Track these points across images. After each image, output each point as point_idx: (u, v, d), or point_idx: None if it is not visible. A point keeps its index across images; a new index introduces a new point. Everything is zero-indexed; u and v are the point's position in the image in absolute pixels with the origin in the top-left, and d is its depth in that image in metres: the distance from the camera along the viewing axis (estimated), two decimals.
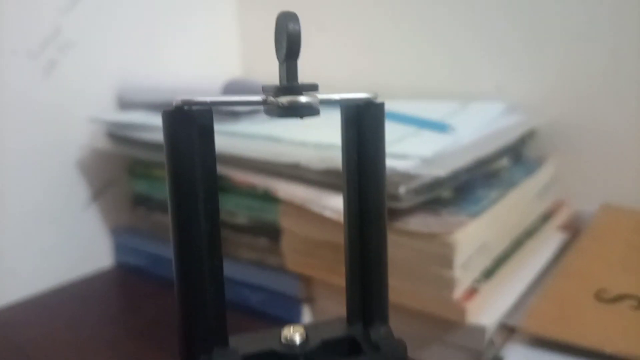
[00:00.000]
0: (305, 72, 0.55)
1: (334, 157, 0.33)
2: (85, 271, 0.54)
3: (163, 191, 0.53)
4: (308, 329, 0.13)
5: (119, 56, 0.55)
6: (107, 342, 0.42)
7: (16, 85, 0.48)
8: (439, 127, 0.39)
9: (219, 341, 0.12)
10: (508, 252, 0.39)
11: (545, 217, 0.46)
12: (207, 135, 0.15)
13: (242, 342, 0.13)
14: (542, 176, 0.46)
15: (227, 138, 0.41)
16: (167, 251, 0.52)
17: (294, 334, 0.13)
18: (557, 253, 0.43)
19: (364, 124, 0.14)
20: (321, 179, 0.35)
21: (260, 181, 0.38)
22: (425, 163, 0.33)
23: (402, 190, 0.31)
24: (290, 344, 0.13)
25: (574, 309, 0.32)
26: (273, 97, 0.14)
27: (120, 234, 0.56)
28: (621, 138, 0.47)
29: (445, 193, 0.37)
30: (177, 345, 0.12)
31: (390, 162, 0.32)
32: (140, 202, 0.57)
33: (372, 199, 0.14)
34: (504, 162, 0.45)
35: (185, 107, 0.14)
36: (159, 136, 0.47)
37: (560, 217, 0.47)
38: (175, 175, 0.14)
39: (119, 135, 0.49)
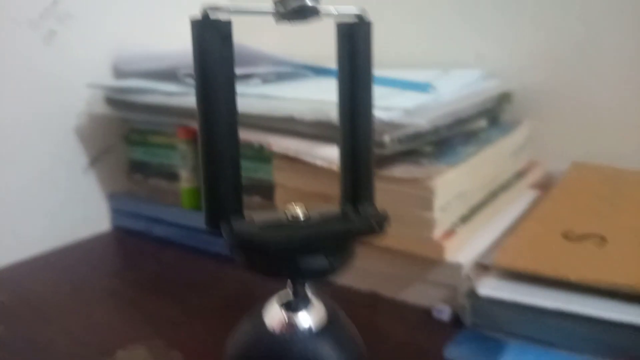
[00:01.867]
0: (290, 43, 0.57)
1: (326, 109, 0.36)
2: (85, 234, 0.56)
3: (159, 157, 0.56)
4: (308, 209, 0.16)
5: (115, 27, 0.57)
6: (110, 292, 0.45)
7: (18, 53, 0.50)
8: (422, 87, 0.42)
9: (236, 212, 0.15)
10: (484, 202, 0.42)
11: (520, 175, 0.49)
12: (228, 43, 0.17)
13: (255, 216, 0.15)
14: (517, 136, 0.49)
15: None
16: (164, 214, 0.55)
17: (298, 211, 0.15)
18: (530, 206, 0.46)
19: (356, 39, 0.17)
20: (313, 132, 0.38)
21: (255, 137, 0.41)
22: (408, 114, 0.36)
23: (386, 138, 0.34)
24: (295, 217, 0.15)
25: (543, 246, 0.36)
26: (281, 3, 0.16)
27: (118, 199, 0.59)
28: (592, 101, 0.51)
29: (427, 148, 0.40)
30: (204, 216, 0.15)
31: (375, 113, 0.35)
32: (137, 168, 0.59)
33: (362, 97, 0.16)
34: (482, 123, 0.48)
35: (211, 16, 0.17)
36: (155, 99, 0.49)
37: (534, 176, 0.51)
38: (202, 72, 0.16)
39: (116, 100, 0.51)
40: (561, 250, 0.35)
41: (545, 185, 0.51)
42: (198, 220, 0.50)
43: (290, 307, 0.16)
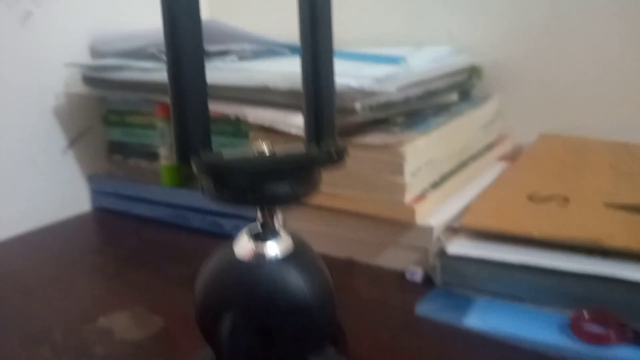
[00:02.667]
0: (262, 23, 0.58)
1: (299, 78, 0.37)
2: (65, 215, 0.56)
3: (138, 137, 0.57)
4: (274, 145, 0.16)
5: (90, 8, 0.57)
6: (91, 266, 0.45)
7: None
8: (393, 60, 0.43)
9: (205, 146, 0.16)
10: (454, 170, 0.44)
11: (490, 147, 0.51)
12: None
13: (223, 152, 0.16)
14: (487, 110, 0.51)
15: None
16: (145, 192, 0.55)
17: (264, 146, 0.16)
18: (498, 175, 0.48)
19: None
20: (287, 101, 0.39)
21: (231, 110, 0.42)
22: (378, 82, 0.37)
23: (357, 105, 0.36)
24: (261, 152, 0.16)
25: (508, 207, 0.37)
26: None
27: (97, 180, 0.59)
28: (558, 76, 0.53)
29: (399, 118, 0.41)
30: (174, 150, 0.16)
31: (346, 80, 0.36)
32: (116, 149, 0.60)
33: (322, 41, 0.17)
34: (453, 96, 0.49)
35: None
36: (133, 75, 0.49)
37: (503, 148, 0.53)
38: (170, 20, 0.17)
39: (94, 78, 0.52)
40: (526, 211, 0.37)
41: (514, 157, 0.53)
42: (178, 197, 0.52)
43: (259, 237, 0.17)
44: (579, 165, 0.44)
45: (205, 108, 0.16)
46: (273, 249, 0.17)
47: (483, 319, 0.32)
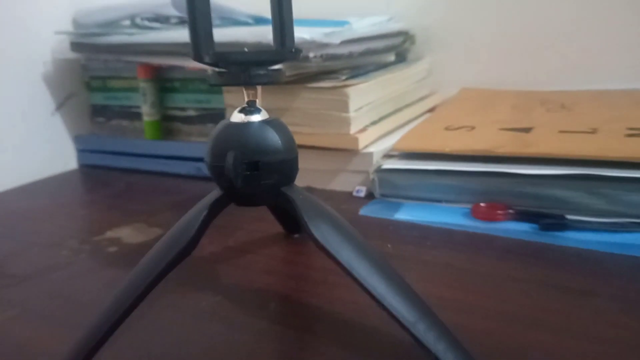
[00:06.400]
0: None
1: (264, 32, 0.46)
2: (54, 172, 0.63)
3: (119, 100, 0.65)
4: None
5: None
6: (87, 202, 0.53)
7: None
8: (340, 23, 0.52)
9: (210, 48, 0.24)
10: (390, 114, 0.54)
11: (422, 99, 0.62)
12: None
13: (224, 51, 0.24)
14: (418, 68, 0.62)
15: (177, 33, 0.53)
16: (129, 147, 0.63)
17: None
18: None
19: None
20: None
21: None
22: (327, 36, 0.47)
23: (311, 54, 0.45)
24: (249, 50, 0.25)
25: (429, 135, 0.48)
26: None
27: (83, 139, 0.66)
28: (476, 40, 0.64)
29: (345, 70, 0.51)
30: (191, 52, 0.24)
31: (301, 34, 0.46)
32: (98, 112, 0.67)
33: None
34: (391, 57, 0.60)
35: None
36: (119, 39, 0.57)
37: (433, 100, 0.63)
38: None
39: (82, 43, 0.59)
40: (442, 136, 0.47)
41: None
42: (160, 147, 0.60)
43: (245, 111, 0.26)
44: (487, 107, 0.55)
45: (210, 25, 0.25)
46: (256, 118, 0.26)
47: (409, 213, 0.43)
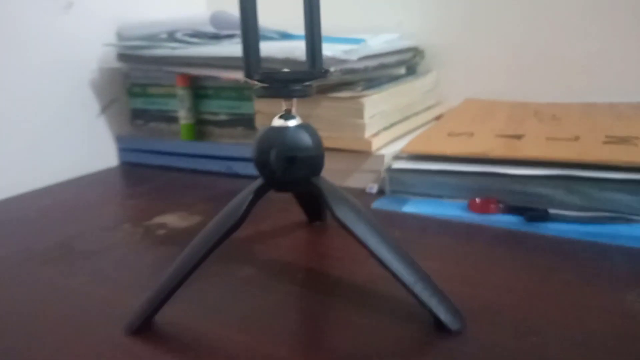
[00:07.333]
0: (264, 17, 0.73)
1: (292, 49, 0.53)
2: (97, 168, 0.71)
3: (157, 105, 0.73)
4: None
5: (117, 0, 0.73)
6: (130, 195, 0.61)
7: (44, 19, 0.64)
8: (356, 41, 0.60)
9: (258, 68, 0.31)
10: (400, 121, 0.61)
11: (429, 108, 0.69)
12: None
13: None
14: (426, 81, 0.69)
15: (214, 48, 0.61)
16: (166, 147, 0.71)
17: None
18: None
19: None
20: (283, 68, 0.55)
21: (240, 76, 0.58)
22: (345, 53, 0.54)
23: (332, 69, 0.52)
24: (287, 71, 0.32)
25: (434, 139, 0.55)
26: None
27: (124, 139, 0.74)
28: (478, 56, 0.70)
29: (361, 82, 0.58)
30: (244, 70, 0.31)
31: (324, 51, 0.53)
32: (138, 115, 0.75)
33: (316, 25, 0.33)
34: (402, 71, 0.67)
35: None
36: (163, 52, 0.65)
37: (439, 110, 0.70)
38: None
39: (128, 55, 0.67)
40: (445, 141, 0.54)
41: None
42: (195, 147, 0.68)
43: (284, 117, 0.33)
44: (486, 116, 0.61)
45: (258, 52, 0.32)
46: (292, 123, 0.33)
47: (415, 207, 0.50)
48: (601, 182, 0.44)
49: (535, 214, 0.45)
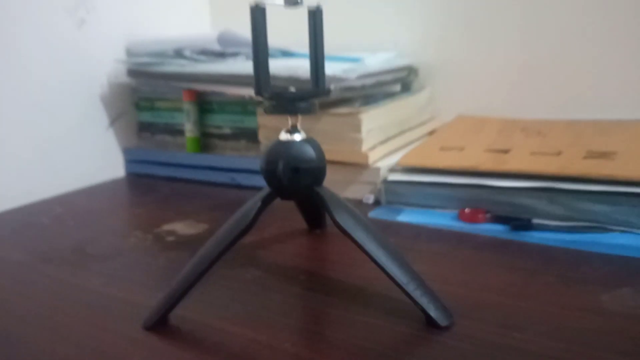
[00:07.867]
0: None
1: (295, 67, 0.57)
2: (104, 179, 0.74)
3: (164, 118, 0.76)
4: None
5: (127, 18, 0.76)
6: (138, 203, 0.64)
7: (57, 35, 0.68)
8: (355, 59, 0.63)
9: (267, 86, 0.35)
10: (396, 135, 0.65)
11: (423, 123, 0.72)
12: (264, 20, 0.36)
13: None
14: (420, 97, 0.72)
15: (220, 65, 0.64)
16: (172, 158, 0.74)
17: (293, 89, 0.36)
18: None
19: (315, 18, 0.36)
20: (286, 85, 0.58)
21: (245, 92, 0.62)
22: (345, 72, 0.57)
23: (332, 87, 0.56)
24: (293, 90, 0.36)
25: (427, 153, 0.58)
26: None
27: (131, 151, 0.77)
28: (470, 74, 0.74)
29: (359, 99, 0.62)
30: (254, 89, 0.35)
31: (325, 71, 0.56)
32: (145, 128, 0.78)
33: (319, 46, 0.36)
34: (397, 87, 0.71)
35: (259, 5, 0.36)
36: (172, 68, 0.69)
37: (433, 125, 0.74)
38: (256, 29, 0.35)
39: (138, 71, 0.70)
40: (437, 155, 0.58)
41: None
42: (200, 159, 0.71)
43: (290, 132, 0.37)
44: (477, 131, 0.65)
45: (268, 72, 0.36)
46: (297, 137, 0.37)
47: (409, 216, 0.53)
48: (581, 193, 0.47)
49: (519, 223, 0.48)
